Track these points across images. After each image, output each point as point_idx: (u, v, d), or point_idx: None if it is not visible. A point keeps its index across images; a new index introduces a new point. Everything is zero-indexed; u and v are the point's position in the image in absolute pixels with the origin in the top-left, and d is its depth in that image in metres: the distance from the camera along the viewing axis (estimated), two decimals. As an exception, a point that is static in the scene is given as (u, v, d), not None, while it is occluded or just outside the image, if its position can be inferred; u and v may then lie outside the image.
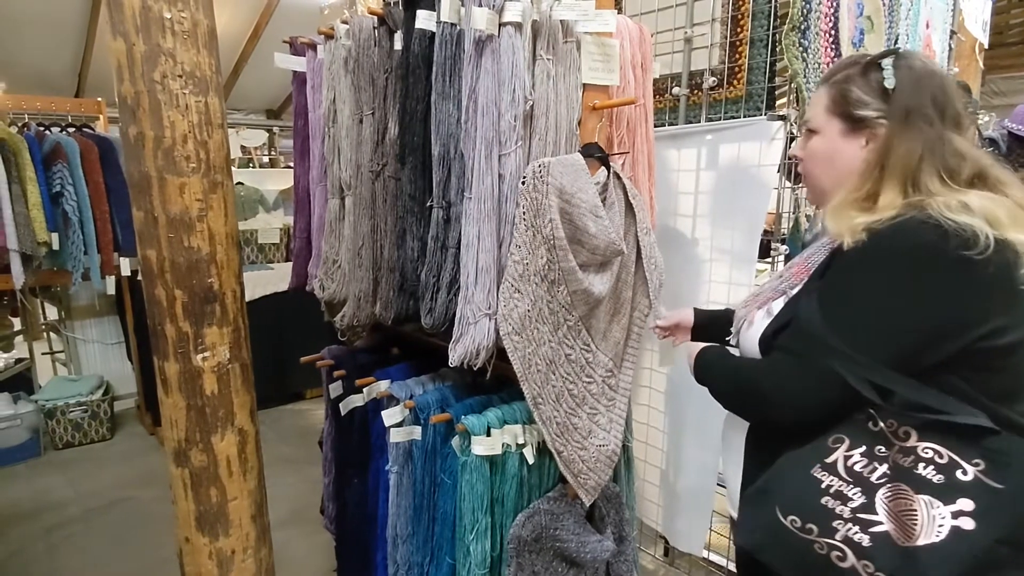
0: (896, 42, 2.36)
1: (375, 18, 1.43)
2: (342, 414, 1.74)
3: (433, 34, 1.26)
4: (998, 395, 0.83)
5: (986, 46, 3.89)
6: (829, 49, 1.92)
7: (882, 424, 0.81)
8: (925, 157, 0.89)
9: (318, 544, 2.38)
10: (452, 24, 1.21)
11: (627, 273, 1.43)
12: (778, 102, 1.93)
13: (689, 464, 2.21)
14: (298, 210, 1.81)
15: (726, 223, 2.02)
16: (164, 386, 1.09)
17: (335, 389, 1.77)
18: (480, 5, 1.14)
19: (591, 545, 1.45)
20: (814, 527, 0.81)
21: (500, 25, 1.16)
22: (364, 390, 1.63)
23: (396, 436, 1.48)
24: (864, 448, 0.82)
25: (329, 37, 1.55)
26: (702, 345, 1.14)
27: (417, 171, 1.33)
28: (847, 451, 0.83)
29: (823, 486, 0.82)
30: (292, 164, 2.04)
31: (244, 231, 4.03)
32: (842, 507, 0.80)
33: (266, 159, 6.91)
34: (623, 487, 1.68)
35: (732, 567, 2.23)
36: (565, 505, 1.43)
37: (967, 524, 0.74)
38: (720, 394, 1.05)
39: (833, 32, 1.92)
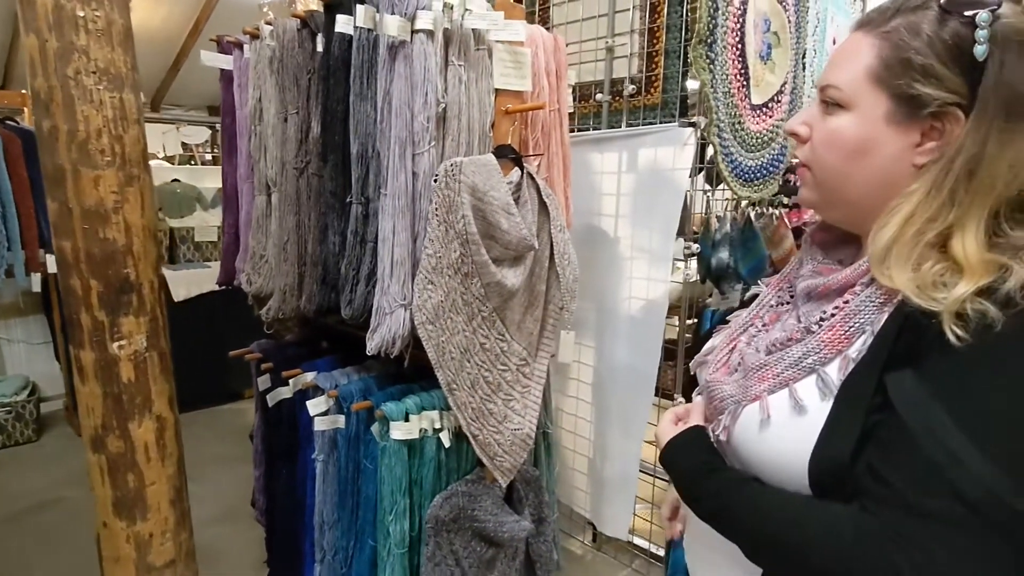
0: (804, 57, 2.54)
1: (298, 20, 1.48)
2: (270, 406, 1.77)
3: (351, 38, 1.33)
4: None
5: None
6: (736, 61, 2.06)
7: None
8: None
9: (251, 539, 2.39)
10: (368, 29, 1.28)
11: (540, 268, 1.52)
12: (690, 110, 2.06)
13: (614, 452, 2.32)
14: (226, 206, 1.84)
15: (644, 223, 2.14)
16: (80, 374, 1.11)
17: (263, 382, 1.81)
18: (392, 12, 1.21)
19: (508, 525, 1.53)
20: None
21: (412, 32, 1.23)
22: (291, 382, 1.67)
23: (320, 425, 1.53)
24: None
25: (255, 37, 1.59)
26: (670, 431, 0.79)
27: (338, 169, 1.39)
28: None
29: None
30: (223, 161, 2.06)
31: (180, 229, 3.97)
32: None
33: (208, 156, 6.77)
34: (543, 471, 1.78)
35: (655, 550, 2.35)
36: (483, 487, 1.51)
37: None
38: (763, 546, 0.66)
39: (740, 46, 2.07)
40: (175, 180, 4.08)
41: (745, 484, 0.69)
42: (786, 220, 2.22)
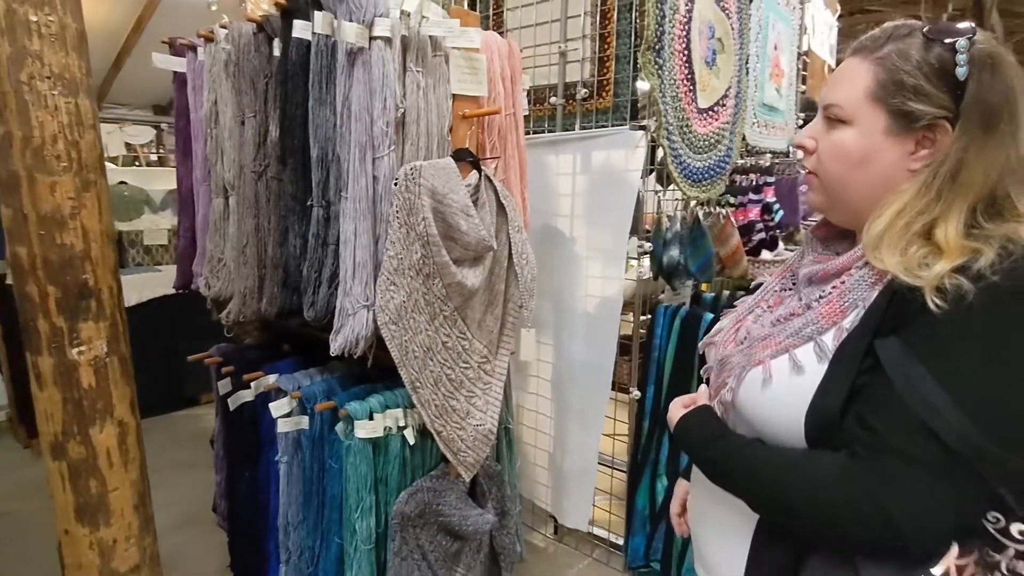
0: (747, 63, 2.66)
1: (254, 24, 1.48)
2: (231, 410, 1.77)
3: (309, 43, 1.34)
4: None
5: (833, 67, 4.38)
6: (683, 67, 2.15)
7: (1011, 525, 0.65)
8: (1008, 174, 0.71)
9: (212, 544, 2.36)
10: (326, 35, 1.30)
11: (500, 267, 1.57)
12: (640, 113, 2.13)
13: (573, 446, 2.38)
14: (182, 209, 1.83)
15: (599, 223, 2.21)
16: (38, 381, 1.11)
17: (224, 386, 1.80)
18: (350, 20, 1.24)
19: (472, 518, 1.58)
20: None
21: (370, 39, 1.26)
22: (252, 384, 1.68)
23: (284, 426, 1.54)
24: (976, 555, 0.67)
25: (209, 40, 1.59)
26: (683, 410, 0.89)
27: (298, 172, 1.41)
28: (959, 560, 0.66)
29: None
30: (177, 164, 2.04)
31: (129, 232, 3.86)
32: None
33: (154, 157, 6.57)
34: (505, 466, 1.82)
35: (614, 539, 2.43)
36: (447, 483, 1.54)
37: None
38: (761, 500, 0.76)
39: (686, 52, 2.15)
40: (122, 182, 3.96)
41: (747, 445, 0.78)
42: (732, 219, 2.32)
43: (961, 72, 0.70)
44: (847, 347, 0.71)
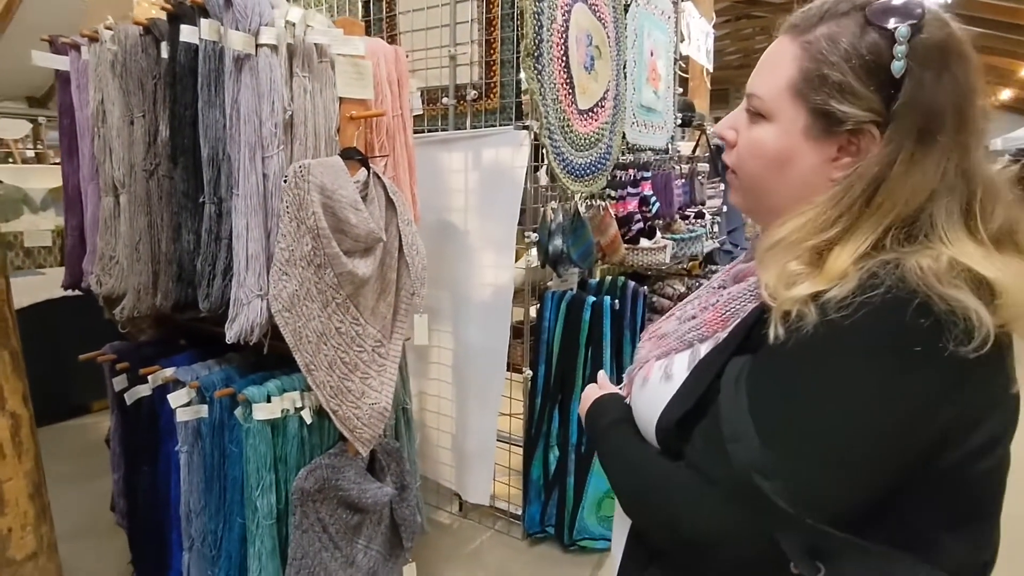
0: (624, 68, 2.91)
1: (141, 27, 1.52)
2: (128, 405, 1.79)
3: (197, 47, 1.41)
4: (948, 519, 0.61)
5: (711, 70, 4.78)
6: (562, 72, 2.35)
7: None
8: (942, 193, 0.59)
9: (110, 549, 2.33)
10: (213, 41, 1.37)
11: (391, 258, 1.69)
12: (525, 115, 2.30)
13: (473, 426, 2.54)
14: (68, 208, 1.82)
15: (489, 216, 2.37)
16: (-77, 377, 1.13)
17: (119, 383, 1.81)
18: (237, 28, 1.32)
19: (371, 492, 1.69)
20: None
21: (257, 46, 1.35)
22: (149, 378, 1.71)
23: (183, 416, 1.60)
24: None
25: (93, 40, 1.61)
26: (597, 392, 0.89)
27: (189, 171, 1.47)
28: None
29: None
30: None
31: (7, 234, 3.65)
32: None
33: (31, 153, 6.14)
34: (404, 443, 1.95)
35: (514, 510, 2.61)
36: (345, 459, 1.65)
37: None
38: (617, 488, 0.76)
39: (564, 58, 2.35)
40: (-5, 181, 3.73)
41: (620, 435, 0.77)
42: (611, 211, 2.55)
43: (897, 67, 0.58)
44: (708, 359, 0.68)
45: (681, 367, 0.71)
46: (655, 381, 0.73)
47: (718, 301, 0.72)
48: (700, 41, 4.31)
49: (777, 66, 0.67)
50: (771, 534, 0.59)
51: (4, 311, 1.19)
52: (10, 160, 5.52)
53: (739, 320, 0.68)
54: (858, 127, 0.61)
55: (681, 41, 3.75)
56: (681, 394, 0.69)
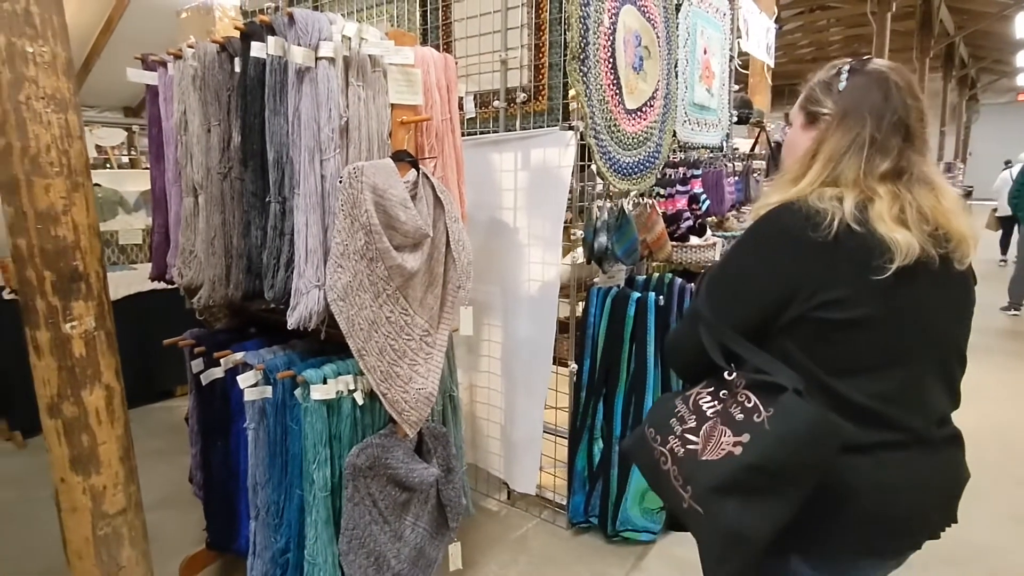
0: (676, 66, 2.93)
1: (218, 44, 1.70)
2: (204, 386, 1.98)
3: (265, 61, 1.56)
4: (825, 364, 0.95)
5: (772, 66, 4.68)
6: (609, 73, 2.41)
7: (734, 375, 0.96)
8: (851, 153, 0.98)
9: (189, 518, 2.57)
10: (278, 56, 1.52)
11: (438, 253, 1.80)
12: (572, 116, 2.37)
13: (521, 417, 2.63)
14: (156, 208, 2.03)
15: (537, 214, 2.45)
16: (36, 352, 1.32)
17: (197, 365, 2.01)
18: (299, 44, 1.46)
19: (418, 472, 1.81)
20: (658, 437, 1.01)
21: (316, 59, 1.49)
22: (222, 361, 1.89)
23: (250, 395, 1.76)
24: (712, 390, 0.99)
25: (178, 57, 1.80)
26: None
27: (257, 173, 1.63)
28: (701, 389, 1.01)
29: (675, 410, 1.01)
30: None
31: (104, 233, 4.01)
32: (679, 426, 0.99)
33: (125, 159, 6.67)
34: (450, 429, 2.06)
35: (559, 500, 2.69)
36: (395, 440, 1.78)
37: (737, 451, 0.89)
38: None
39: (611, 60, 2.41)
40: (96, 184, 4.11)
41: None
42: (657, 208, 2.59)
43: (841, 86, 1.03)
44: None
45: None
46: None
47: None
48: (760, 37, 4.24)
49: (799, 98, 1.13)
50: (701, 341, 1.00)
51: (102, 297, 1.37)
52: (108, 165, 6.03)
53: None
54: (823, 119, 1.05)
55: (738, 38, 3.71)
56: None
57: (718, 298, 1.02)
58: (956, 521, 1.03)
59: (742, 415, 0.91)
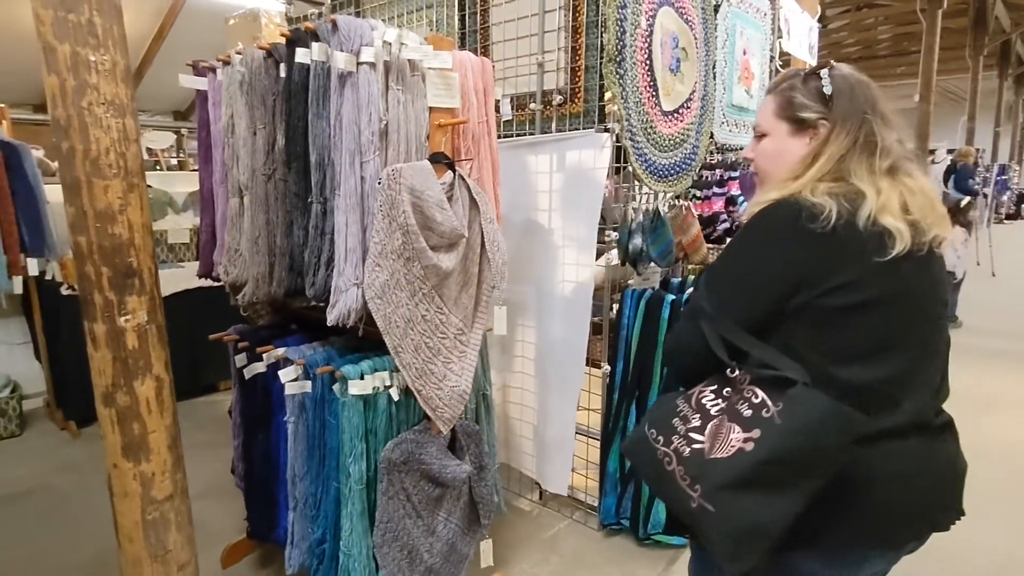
0: (714, 68, 2.90)
1: (264, 51, 1.76)
2: (246, 379, 2.05)
3: (309, 67, 1.62)
4: (832, 353, 0.97)
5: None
6: (645, 75, 2.40)
7: (737, 372, 0.97)
8: (858, 150, 1.03)
9: (232, 510, 2.66)
10: (322, 61, 1.57)
11: (473, 253, 1.83)
12: (608, 118, 2.38)
13: (554, 418, 2.64)
14: (203, 208, 2.12)
15: (572, 215, 2.47)
16: (93, 343, 1.39)
17: (240, 360, 2.08)
18: (341, 49, 1.51)
19: (451, 468, 1.84)
20: (660, 438, 1.00)
21: (358, 64, 1.53)
22: (264, 357, 1.96)
23: (291, 389, 1.82)
24: (715, 388, 0.99)
25: (226, 63, 1.87)
26: None
27: (300, 174, 1.69)
28: (703, 388, 1.01)
29: (677, 410, 1.01)
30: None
31: (154, 232, 4.17)
32: (682, 426, 0.99)
33: (174, 161, 6.93)
34: (483, 427, 2.09)
35: (591, 501, 2.69)
36: (429, 436, 1.81)
37: (748, 447, 0.89)
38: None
39: (648, 62, 2.41)
40: (147, 186, 4.28)
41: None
42: (693, 210, 2.57)
43: (827, 89, 1.08)
44: None
45: None
46: None
47: None
48: (802, 36, 4.15)
49: (767, 107, 1.17)
50: (705, 338, 1.00)
51: (154, 292, 1.44)
52: (158, 167, 6.27)
53: None
54: (816, 124, 1.09)
55: (779, 38, 3.65)
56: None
57: (723, 293, 1.03)
58: (964, 513, 1.04)
59: (750, 411, 0.92)
